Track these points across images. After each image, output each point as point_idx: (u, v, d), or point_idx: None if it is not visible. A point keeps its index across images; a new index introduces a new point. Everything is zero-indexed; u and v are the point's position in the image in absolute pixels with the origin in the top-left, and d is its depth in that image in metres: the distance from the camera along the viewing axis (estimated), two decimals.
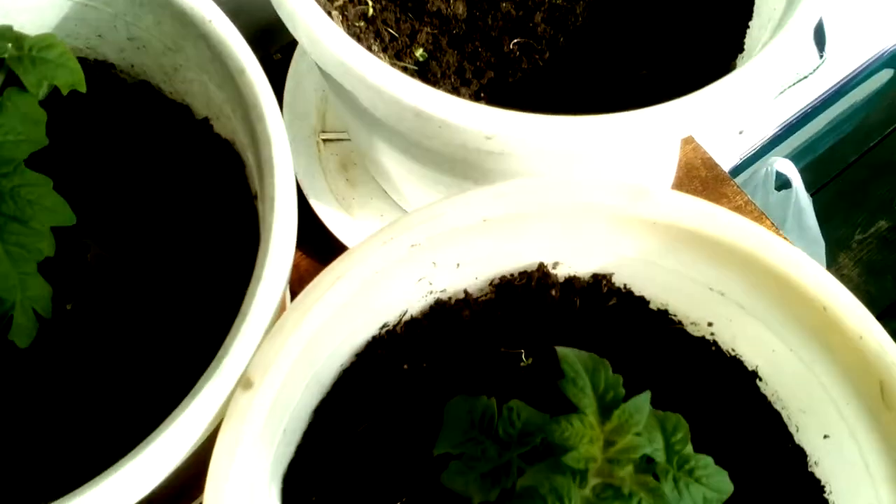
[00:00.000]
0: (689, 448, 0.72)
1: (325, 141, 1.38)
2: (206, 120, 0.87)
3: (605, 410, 0.69)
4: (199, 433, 0.70)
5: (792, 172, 2.36)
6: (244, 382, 0.72)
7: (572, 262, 0.89)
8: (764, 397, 0.90)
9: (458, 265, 0.86)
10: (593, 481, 0.68)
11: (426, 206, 0.79)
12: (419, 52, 0.99)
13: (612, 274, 0.90)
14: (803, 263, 0.79)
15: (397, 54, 0.98)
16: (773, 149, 2.43)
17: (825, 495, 0.86)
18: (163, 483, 0.78)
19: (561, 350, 0.71)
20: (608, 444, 0.69)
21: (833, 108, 2.48)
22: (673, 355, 0.91)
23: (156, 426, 0.70)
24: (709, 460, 0.71)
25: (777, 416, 0.90)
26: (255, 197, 0.88)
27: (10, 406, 0.81)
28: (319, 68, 0.97)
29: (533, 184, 0.80)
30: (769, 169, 2.39)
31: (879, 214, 2.53)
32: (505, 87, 0.99)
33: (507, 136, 0.81)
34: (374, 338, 0.88)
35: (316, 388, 0.85)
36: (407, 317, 0.90)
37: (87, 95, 0.92)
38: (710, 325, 0.90)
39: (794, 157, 2.40)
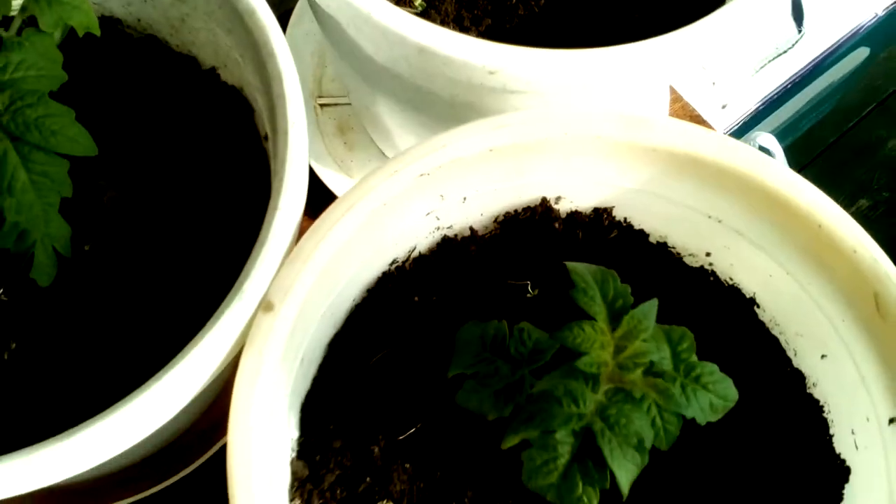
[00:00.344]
0: (695, 357, 0.75)
1: (322, 106, 1.40)
2: (213, 69, 0.89)
3: (615, 317, 0.72)
4: (223, 353, 0.73)
5: (775, 147, 2.40)
6: (265, 305, 0.74)
7: (574, 197, 0.92)
8: (762, 324, 0.93)
9: (464, 199, 0.88)
10: (605, 386, 0.71)
11: (433, 137, 0.81)
12: (418, 2, 1.02)
13: (613, 207, 0.93)
14: (798, 183, 0.82)
15: (397, 3, 1.01)
16: (755, 125, 2.47)
17: (824, 414, 0.89)
18: (189, 412, 0.81)
19: (570, 264, 0.74)
20: (618, 350, 0.72)
21: (812, 87, 2.52)
22: (672, 286, 0.94)
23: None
24: (714, 367, 0.74)
25: (775, 341, 0.93)
26: (265, 138, 0.90)
27: (35, 340, 0.83)
28: (322, 19, 1.00)
29: (536, 113, 0.83)
30: (752, 144, 2.43)
31: (860, 194, 2.58)
32: (503, 35, 1.02)
33: (510, 70, 0.84)
34: (384, 273, 0.91)
35: (330, 322, 0.88)
36: (415, 253, 0.92)
37: (95, 50, 0.94)
38: (707, 255, 0.93)
39: (777, 136, 2.44)
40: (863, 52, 2.53)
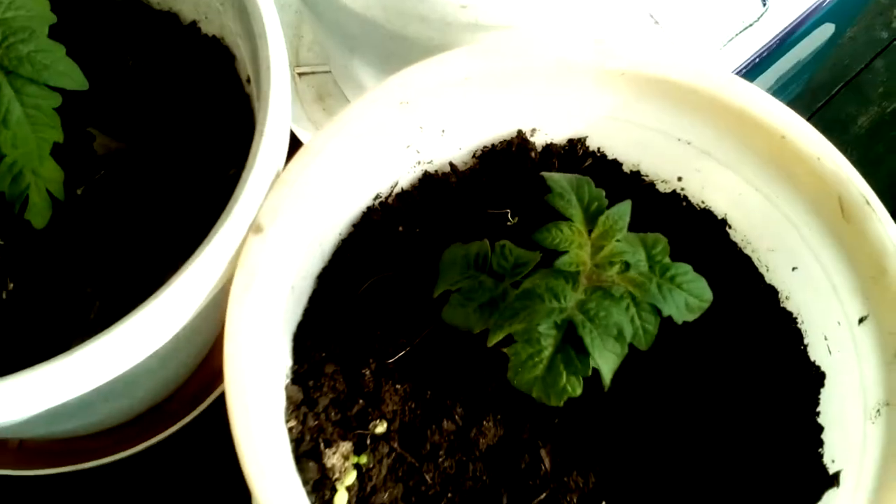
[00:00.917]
0: (668, 259, 0.79)
1: (300, 75, 1.44)
2: (193, 23, 0.92)
3: (591, 219, 0.75)
4: (217, 273, 0.75)
5: None
6: (255, 227, 0.77)
7: (548, 129, 0.95)
8: (734, 244, 0.97)
9: (442, 131, 0.91)
10: (584, 285, 0.74)
11: (412, 66, 0.85)
12: None
13: (587, 137, 0.96)
14: (760, 98, 0.86)
15: None
16: None
17: (798, 325, 0.93)
18: (185, 350, 0.84)
19: (546, 174, 0.77)
20: (595, 250, 0.75)
21: (780, 63, 2.57)
22: (647, 212, 0.97)
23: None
24: (688, 268, 0.78)
25: (748, 259, 0.96)
26: (248, 81, 0.93)
27: (31, 280, 0.85)
28: None
29: (510, 39, 0.86)
30: None
31: None
32: None
33: (481, 2, 0.87)
34: (368, 208, 0.94)
35: (319, 255, 0.90)
36: (398, 188, 0.96)
37: (79, 14, 0.97)
38: (679, 179, 0.97)
39: None
40: (828, 29, 2.58)
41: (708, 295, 0.77)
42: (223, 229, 0.74)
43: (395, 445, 0.84)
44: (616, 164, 0.98)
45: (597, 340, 0.69)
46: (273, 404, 0.82)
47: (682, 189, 0.97)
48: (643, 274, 0.75)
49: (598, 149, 0.97)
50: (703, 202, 0.96)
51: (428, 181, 0.96)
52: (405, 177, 0.94)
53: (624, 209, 0.75)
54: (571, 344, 0.71)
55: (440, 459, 0.84)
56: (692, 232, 0.96)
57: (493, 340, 0.71)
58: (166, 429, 1.12)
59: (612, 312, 0.71)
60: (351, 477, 0.81)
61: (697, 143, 0.91)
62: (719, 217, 0.96)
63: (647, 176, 0.98)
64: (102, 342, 0.70)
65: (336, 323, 0.89)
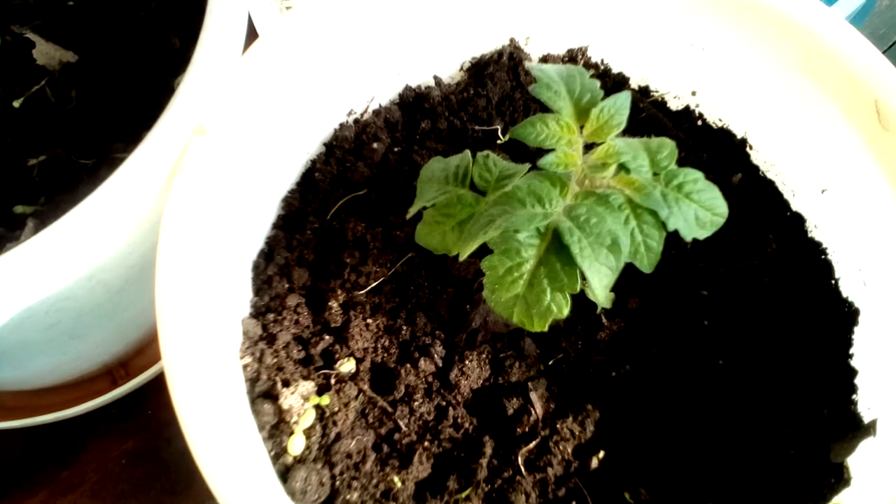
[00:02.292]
0: (675, 166, 0.68)
1: None
2: None
3: (583, 112, 0.64)
4: (159, 180, 0.65)
5: None
6: (198, 128, 0.67)
7: (545, 37, 0.85)
8: (756, 168, 0.85)
9: (427, 40, 0.81)
10: (575, 190, 0.63)
11: None
12: None
13: (588, 47, 0.86)
14: None
15: None
16: None
17: (827, 256, 0.81)
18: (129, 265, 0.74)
19: (532, 64, 0.66)
20: (588, 149, 0.64)
21: None
22: (656, 132, 0.86)
23: None
24: (698, 175, 0.66)
25: (771, 184, 0.85)
26: None
27: None
28: None
29: None
30: None
31: None
32: None
33: None
34: (340, 125, 0.84)
35: (283, 173, 0.81)
36: (375, 104, 0.85)
37: None
38: (693, 94, 0.86)
39: None
40: None
41: (722, 207, 0.66)
42: (159, 127, 0.64)
43: (365, 387, 0.74)
44: (621, 77, 0.87)
45: (586, 250, 0.59)
46: (223, 340, 0.72)
47: (697, 105, 0.86)
48: (646, 181, 0.64)
49: (602, 60, 0.87)
50: (720, 120, 0.85)
51: (409, 96, 0.85)
52: (383, 91, 0.84)
53: (621, 101, 0.64)
54: (557, 255, 0.60)
55: (416, 404, 0.74)
56: (708, 153, 0.85)
57: (466, 252, 0.60)
58: (118, 387, 1.01)
59: (605, 219, 0.60)
60: (309, 418, 0.71)
61: (714, 48, 0.79)
62: (738, 136, 0.84)
63: (656, 91, 0.87)
64: (31, 245, 0.61)
65: (302, 251, 0.79)
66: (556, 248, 0.60)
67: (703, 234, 0.64)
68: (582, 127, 0.63)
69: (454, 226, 0.69)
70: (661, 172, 0.65)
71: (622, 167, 0.64)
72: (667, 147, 0.66)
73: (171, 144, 0.65)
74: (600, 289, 0.59)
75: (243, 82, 0.68)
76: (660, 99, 0.82)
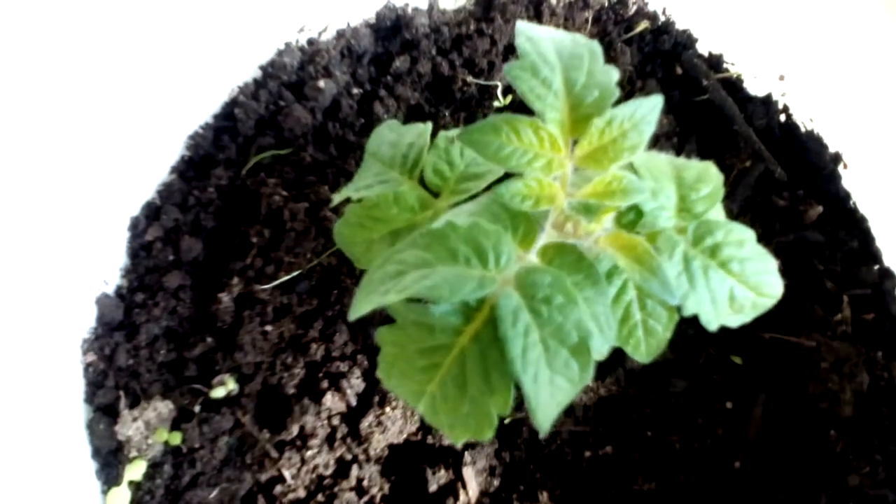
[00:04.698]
0: (720, 211, 0.46)
1: None
2: None
3: (581, 120, 0.40)
4: None
5: None
6: None
7: None
8: (846, 197, 0.62)
9: None
10: (548, 237, 0.41)
11: None
12: None
13: None
14: None
15: None
16: None
17: None
18: None
19: (522, 24, 0.42)
20: (579, 177, 0.41)
21: None
22: (718, 126, 0.62)
23: None
24: (746, 235, 0.44)
25: (861, 224, 0.61)
26: None
27: None
28: None
29: None
30: None
31: None
32: None
33: None
34: (286, 45, 0.61)
35: (196, 104, 0.59)
36: (339, 22, 0.62)
37: None
38: (782, 78, 0.61)
39: None
40: None
41: (774, 286, 0.44)
42: None
43: (246, 419, 0.55)
44: (686, 38, 0.63)
45: (534, 352, 0.38)
46: (58, 322, 0.52)
47: (784, 95, 0.61)
48: (665, 233, 0.42)
49: (663, 10, 0.62)
50: (811, 120, 0.61)
51: (387, 17, 0.63)
52: (354, 4, 0.60)
53: (646, 109, 0.40)
54: (493, 345, 0.39)
55: (311, 452, 0.55)
56: (785, 166, 0.61)
57: (355, 315, 0.38)
58: None
59: (576, 302, 0.38)
60: (156, 450, 0.52)
61: (831, 17, 0.55)
62: (832, 149, 0.60)
63: (731, 65, 0.62)
64: None
65: (200, 213, 0.59)
66: (492, 334, 0.38)
67: (737, 322, 0.42)
68: (576, 141, 0.40)
69: (385, 235, 0.48)
70: (692, 222, 0.42)
71: (631, 212, 0.42)
72: (710, 181, 0.44)
73: None
74: (545, 411, 0.38)
75: None
76: (734, 77, 0.58)
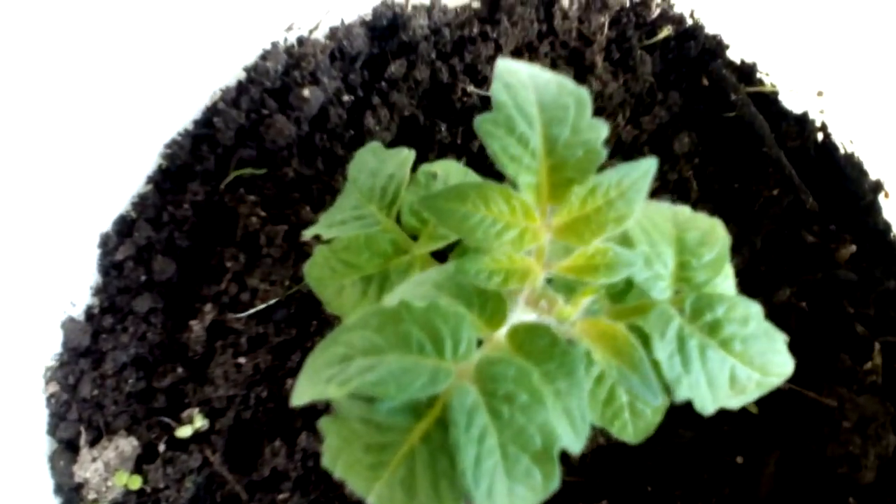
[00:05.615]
0: (728, 280, 0.41)
1: None
2: None
3: (562, 185, 0.35)
4: None
5: None
6: None
7: None
8: (886, 230, 0.55)
9: None
10: (519, 315, 0.36)
11: None
12: None
13: None
14: None
15: None
16: None
17: None
18: None
19: (502, 63, 0.36)
20: (557, 249, 0.36)
21: None
22: (750, 147, 0.56)
23: None
24: (755, 310, 0.39)
25: None
26: None
27: None
28: None
29: None
30: None
31: None
32: None
33: None
34: (272, 45, 0.56)
35: (176, 109, 0.55)
36: (332, 19, 0.57)
37: None
38: (820, 94, 0.55)
39: None
40: None
41: (783, 366, 0.39)
42: None
43: (215, 458, 0.51)
44: (716, 44, 0.56)
45: (490, 459, 0.33)
46: (22, 347, 0.49)
47: (822, 112, 0.55)
48: (660, 307, 0.38)
49: (692, 13, 0.56)
50: (851, 142, 0.55)
51: (384, 16, 0.57)
52: (346, 1, 0.55)
53: (637, 175, 0.35)
54: (446, 446, 0.34)
55: (282, 496, 0.51)
56: (818, 195, 0.55)
57: (296, 403, 0.34)
58: None
59: (543, 401, 0.34)
60: (117, 492, 0.49)
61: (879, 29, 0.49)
62: (872, 177, 0.54)
63: (765, 75, 0.56)
64: None
65: (174, 231, 0.55)
66: (443, 437, 0.34)
67: (738, 403, 0.38)
68: (554, 208, 0.35)
69: (356, 280, 0.43)
70: (691, 294, 0.38)
71: (621, 282, 0.37)
72: (715, 245, 0.39)
73: None
74: None
75: None
76: (769, 91, 0.52)
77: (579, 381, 0.34)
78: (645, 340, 0.37)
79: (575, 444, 0.34)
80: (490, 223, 0.35)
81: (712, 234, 0.40)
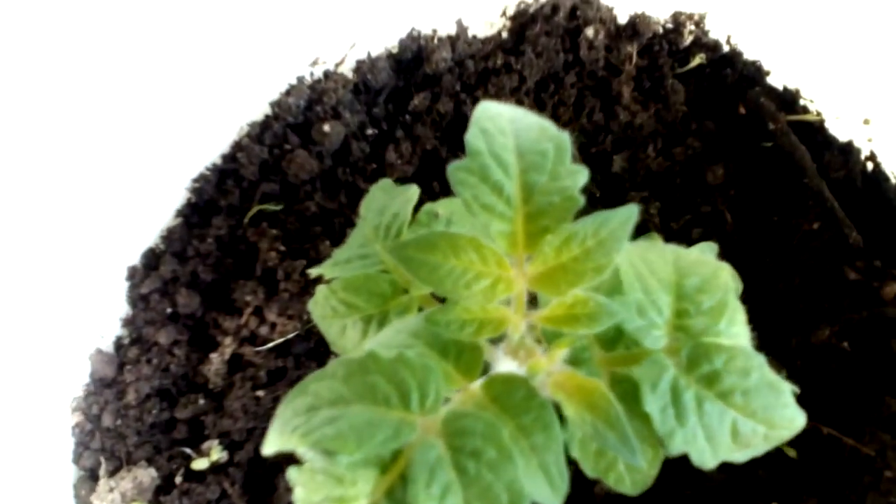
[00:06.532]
0: (736, 327, 0.38)
1: None
2: None
3: (537, 233, 0.34)
4: None
5: None
6: None
7: None
8: None
9: None
10: (498, 366, 0.35)
11: None
12: None
13: (705, 15, 0.52)
14: None
15: None
16: None
17: None
18: None
19: (482, 106, 0.35)
20: (534, 298, 0.35)
21: None
22: (790, 177, 0.53)
23: None
24: (759, 362, 0.36)
25: None
26: None
27: None
28: None
29: None
30: None
31: None
32: None
33: None
34: (297, 80, 0.56)
35: (206, 144, 0.56)
36: (358, 52, 0.56)
37: None
38: (867, 122, 0.52)
39: None
40: None
41: (793, 422, 0.36)
42: None
43: (233, 490, 0.51)
44: (756, 69, 0.53)
45: None
46: (51, 378, 0.50)
47: (870, 140, 0.52)
48: (652, 360, 0.36)
49: (728, 39, 0.53)
50: None
51: (410, 48, 0.56)
52: (372, 35, 0.55)
53: (616, 223, 0.33)
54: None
55: None
56: (862, 230, 0.52)
57: (267, 452, 0.33)
58: None
59: (511, 458, 0.32)
60: None
61: None
62: None
63: (809, 102, 0.53)
64: None
65: (198, 266, 0.55)
66: (405, 493, 0.33)
67: (745, 457, 0.36)
68: (530, 255, 0.34)
69: (357, 320, 0.43)
70: (688, 343, 0.36)
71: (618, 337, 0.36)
72: (715, 292, 0.37)
73: None
74: None
75: None
76: (814, 119, 0.49)
77: (556, 436, 0.33)
78: (636, 392, 0.35)
79: (552, 500, 0.33)
80: (460, 273, 0.33)
81: (714, 279, 0.37)
